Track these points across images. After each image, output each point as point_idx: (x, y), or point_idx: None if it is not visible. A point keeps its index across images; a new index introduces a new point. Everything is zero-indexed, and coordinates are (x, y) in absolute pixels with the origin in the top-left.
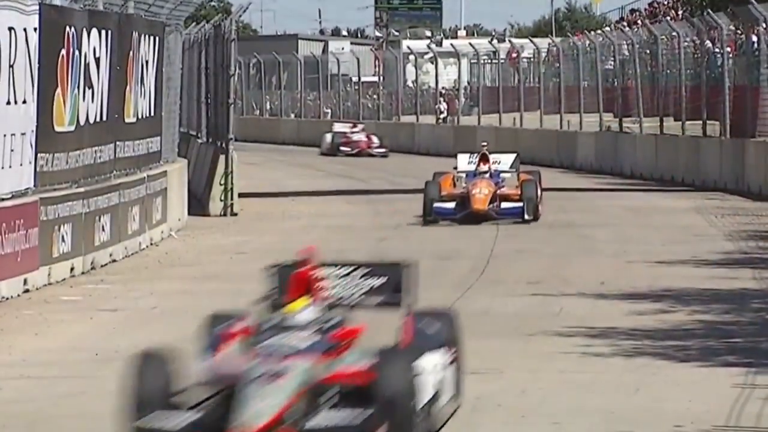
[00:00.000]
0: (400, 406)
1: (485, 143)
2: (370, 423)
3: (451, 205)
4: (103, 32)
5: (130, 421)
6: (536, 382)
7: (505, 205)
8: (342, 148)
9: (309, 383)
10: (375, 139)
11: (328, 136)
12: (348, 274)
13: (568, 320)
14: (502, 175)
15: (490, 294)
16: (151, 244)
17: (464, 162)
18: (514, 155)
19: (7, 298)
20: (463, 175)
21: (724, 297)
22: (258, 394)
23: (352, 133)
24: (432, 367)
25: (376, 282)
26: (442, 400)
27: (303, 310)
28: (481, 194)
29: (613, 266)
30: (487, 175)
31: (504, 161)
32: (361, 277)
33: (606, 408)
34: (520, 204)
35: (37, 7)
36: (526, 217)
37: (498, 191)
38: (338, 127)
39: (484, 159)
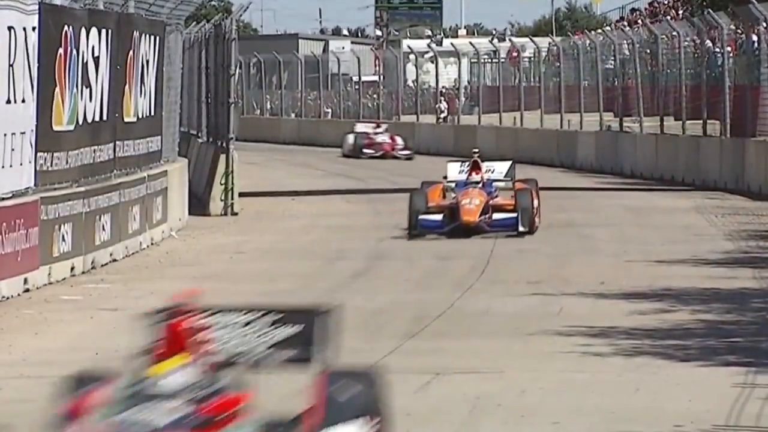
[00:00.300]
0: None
1: (477, 150)
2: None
3: (438, 217)
4: (103, 31)
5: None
6: (536, 381)
7: (497, 216)
8: (365, 150)
9: None
10: (399, 141)
11: (350, 138)
12: (248, 323)
13: (568, 320)
14: (495, 184)
15: (490, 294)
16: (152, 243)
17: (455, 171)
18: (509, 163)
19: (8, 298)
20: (453, 184)
21: (724, 296)
22: None
23: (376, 134)
24: None
25: (285, 332)
26: None
27: (174, 373)
28: (471, 205)
29: (613, 266)
30: (479, 184)
31: (498, 169)
32: (270, 325)
33: (606, 408)
34: (514, 215)
35: (37, 7)
36: (521, 228)
37: (490, 201)
38: (360, 127)
39: (475, 167)
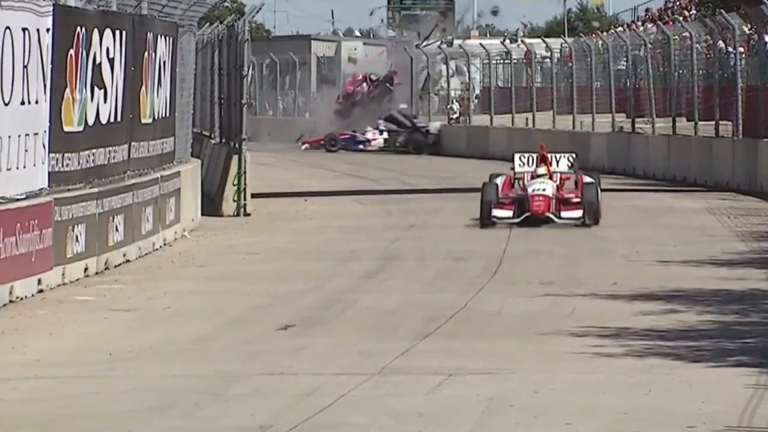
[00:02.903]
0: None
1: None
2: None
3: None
4: (117, 33)
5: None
6: (549, 382)
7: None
8: (496, 214)
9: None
10: (571, 191)
11: (489, 188)
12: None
13: (581, 320)
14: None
15: (502, 294)
16: (165, 244)
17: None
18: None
19: (22, 298)
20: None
21: (736, 297)
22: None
23: (535, 177)
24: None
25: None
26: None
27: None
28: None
29: (626, 266)
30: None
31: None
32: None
33: (618, 408)
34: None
35: (51, 8)
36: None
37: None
38: (520, 163)
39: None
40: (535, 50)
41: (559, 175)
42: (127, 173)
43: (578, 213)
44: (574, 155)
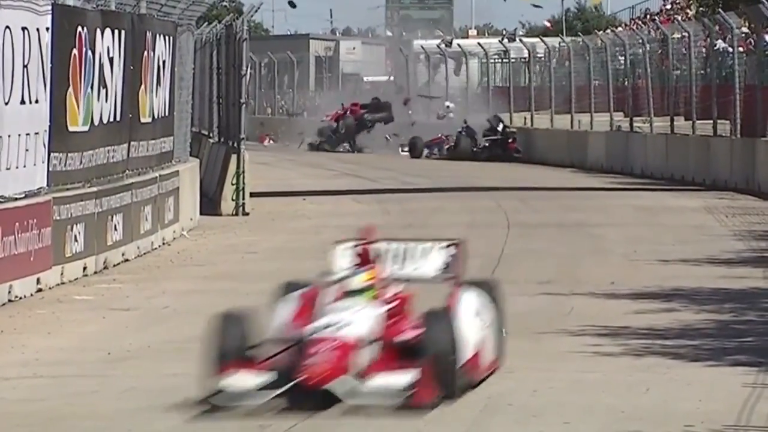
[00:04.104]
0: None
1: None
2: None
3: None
4: (117, 32)
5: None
6: (547, 381)
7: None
8: (232, 383)
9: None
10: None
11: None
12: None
13: (579, 320)
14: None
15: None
16: (164, 243)
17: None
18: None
19: (21, 298)
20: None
21: (734, 296)
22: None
23: (347, 296)
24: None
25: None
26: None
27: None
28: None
29: (624, 266)
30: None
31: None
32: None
33: (616, 407)
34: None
35: (50, 8)
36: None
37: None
38: (347, 263)
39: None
40: (535, 49)
41: (396, 290)
42: (126, 172)
43: (404, 378)
44: (456, 243)
